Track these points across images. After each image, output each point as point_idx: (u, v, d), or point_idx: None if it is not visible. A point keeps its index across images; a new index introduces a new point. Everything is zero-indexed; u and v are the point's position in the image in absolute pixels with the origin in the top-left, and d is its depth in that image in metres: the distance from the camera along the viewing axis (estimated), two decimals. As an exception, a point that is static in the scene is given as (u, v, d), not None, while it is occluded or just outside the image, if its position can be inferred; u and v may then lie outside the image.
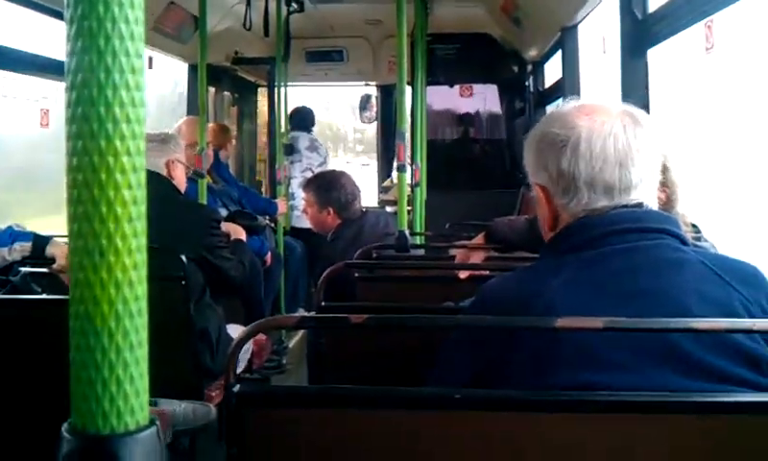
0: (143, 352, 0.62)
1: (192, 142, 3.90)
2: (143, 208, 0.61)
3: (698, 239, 1.95)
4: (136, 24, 0.60)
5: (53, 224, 3.56)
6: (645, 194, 1.27)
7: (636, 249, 1.22)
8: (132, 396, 0.61)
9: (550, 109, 5.35)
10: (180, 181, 3.11)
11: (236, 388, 1.07)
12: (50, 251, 2.37)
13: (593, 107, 1.30)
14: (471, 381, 1.23)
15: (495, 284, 1.33)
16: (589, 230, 1.24)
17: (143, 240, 0.61)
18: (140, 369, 0.62)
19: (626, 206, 1.25)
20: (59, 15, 3.32)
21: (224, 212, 4.19)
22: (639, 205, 1.25)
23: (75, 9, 0.59)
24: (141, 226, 0.60)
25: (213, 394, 2.78)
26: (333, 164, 7.21)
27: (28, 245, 2.37)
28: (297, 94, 6.75)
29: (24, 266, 2.40)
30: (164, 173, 3.02)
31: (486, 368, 1.21)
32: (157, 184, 2.91)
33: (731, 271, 1.22)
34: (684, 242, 1.26)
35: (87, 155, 0.58)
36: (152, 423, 0.63)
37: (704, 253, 1.30)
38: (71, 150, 0.59)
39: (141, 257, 0.61)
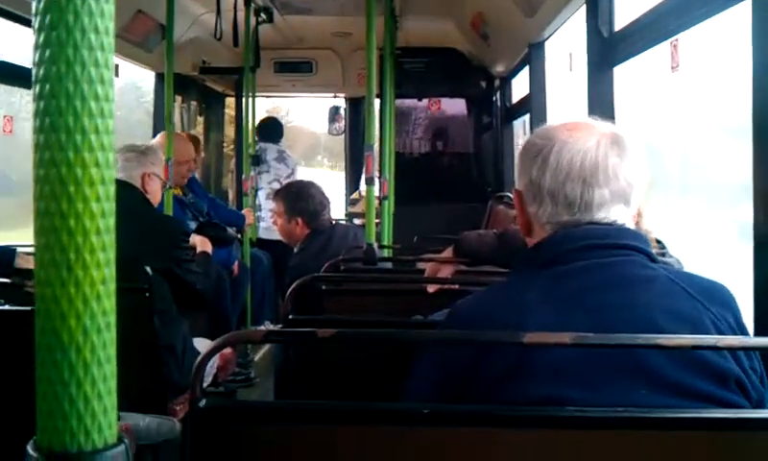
0: (111, 368, 0.61)
1: (176, 159, 3.92)
2: (112, 221, 0.59)
3: (663, 255, 1.98)
4: (106, 34, 0.58)
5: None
6: (618, 214, 1.28)
7: (605, 265, 1.23)
8: (99, 413, 0.60)
9: (517, 123, 5.40)
10: (155, 194, 3.11)
11: (202, 403, 1.06)
12: (20, 263, 2.34)
13: (578, 124, 1.32)
14: (443, 396, 1.23)
15: (468, 302, 1.33)
16: (560, 245, 1.26)
17: (112, 254, 0.60)
18: (108, 385, 0.60)
19: (598, 223, 1.26)
20: (26, 23, 3.27)
21: (193, 225, 4.15)
22: (612, 223, 1.27)
23: (43, 17, 0.58)
24: (110, 239, 0.59)
25: (177, 408, 2.74)
26: (318, 175, 7.18)
27: None
28: (285, 104, 6.74)
29: None
30: (139, 185, 3.02)
31: (457, 383, 1.21)
32: (129, 196, 2.91)
33: (699, 288, 1.24)
34: (652, 259, 1.27)
35: (55, 166, 0.57)
36: (120, 440, 0.61)
37: (672, 270, 1.31)
38: (38, 161, 0.58)
39: (110, 271, 0.59)
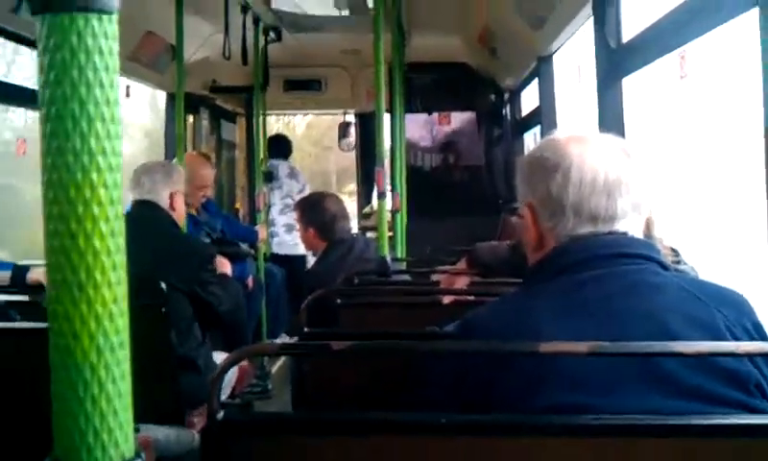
0: (126, 384, 0.61)
1: (197, 183, 4.03)
2: (122, 241, 0.60)
3: (677, 262, 1.97)
4: (110, 55, 0.59)
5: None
6: (631, 225, 1.29)
7: (618, 273, 1.23)
8: (116, 428, 0.60)
9: (528, 136, 5.40)
10: (181, 212, 3.16)
11: (220, 415, 1.06)
12: (32, 277, 2.36)
13: (585, 137, 1.32)
14: (458, 406, 1.22)
15: (481, 312, 1.33)
16: (572, 255, 1.26)
17: (123, 273, 0.60)
18: (124, 401, 0.61)
19: (611, 233, 1.26)
20: (33, 44, 3.31)
21: (207, 242, 4.19)
22: (624, 234, 1.27)
23: (47, 40, 0.58)
24: (120, 258, 0.60)
25: (195, 420, 2.76)
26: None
27: (7, 274, 2.35)
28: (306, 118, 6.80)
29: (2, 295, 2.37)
30: (167, 204, 3.06)
31: (472, 392, 1.21)
32: (156, 217, 2.97)
33: (711, 294, 1.23)
34: (664, 267, 1.27)
35: (63, 188, 0.58)
36: (137, 455, 0.62)
37: (684, 277, 1.31)
38: (47, 182, 0.59)
39: (121, 290, 0.60)
